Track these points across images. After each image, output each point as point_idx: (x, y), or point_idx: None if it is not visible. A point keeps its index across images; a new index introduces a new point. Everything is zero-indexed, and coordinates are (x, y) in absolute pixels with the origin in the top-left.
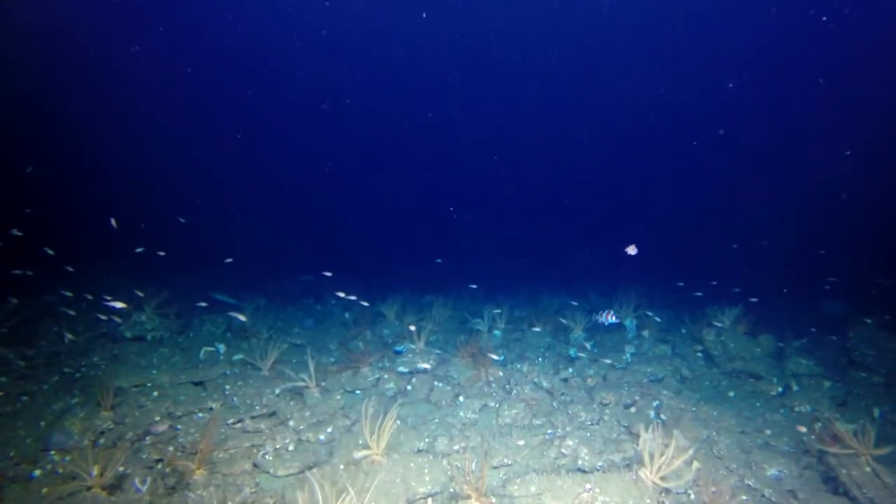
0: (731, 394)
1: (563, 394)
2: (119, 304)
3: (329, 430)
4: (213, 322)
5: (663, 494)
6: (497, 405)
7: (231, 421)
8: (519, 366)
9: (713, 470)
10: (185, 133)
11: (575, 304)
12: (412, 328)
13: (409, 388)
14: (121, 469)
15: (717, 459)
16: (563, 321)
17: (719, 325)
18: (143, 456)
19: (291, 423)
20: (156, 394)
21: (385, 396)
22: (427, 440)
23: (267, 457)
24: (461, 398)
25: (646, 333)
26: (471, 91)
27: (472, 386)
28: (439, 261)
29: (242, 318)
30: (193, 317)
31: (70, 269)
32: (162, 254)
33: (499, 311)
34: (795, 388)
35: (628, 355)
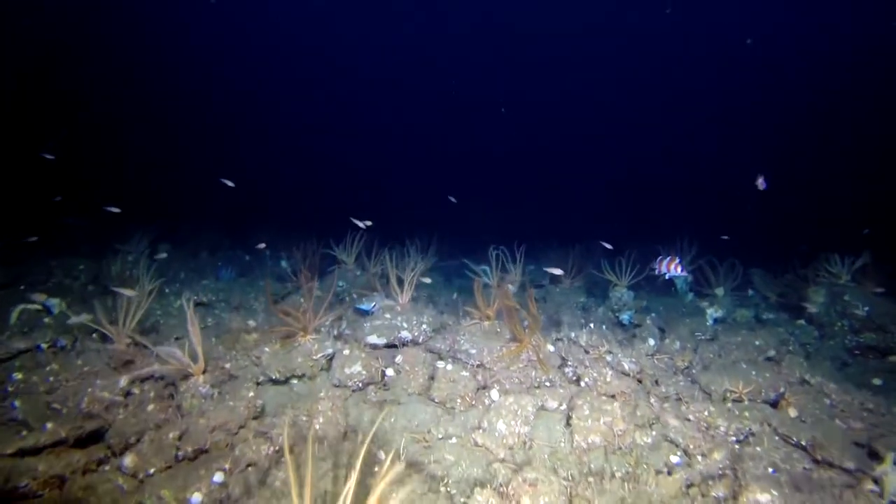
0: (877, 381)
1: (657, 381)
2: None
3: (217, 477)
4: (65, 269)
5: None
6: (564, 406)
7: None
8: (573, 334)
9: None
10: None
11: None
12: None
13: (388, 373)
14: None
15: None
16: (598, 273)
17: (838, 280)
18: None
19: (127, 460)
20: None
21: (346, 389)
22: (445, 488)
23: None
24: (493, 393)
25: (719, 292)
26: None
27: (507, 369)
28: (452, 199)
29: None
30: (35, 262)
31: None
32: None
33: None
34: None
35: (711, 320)
